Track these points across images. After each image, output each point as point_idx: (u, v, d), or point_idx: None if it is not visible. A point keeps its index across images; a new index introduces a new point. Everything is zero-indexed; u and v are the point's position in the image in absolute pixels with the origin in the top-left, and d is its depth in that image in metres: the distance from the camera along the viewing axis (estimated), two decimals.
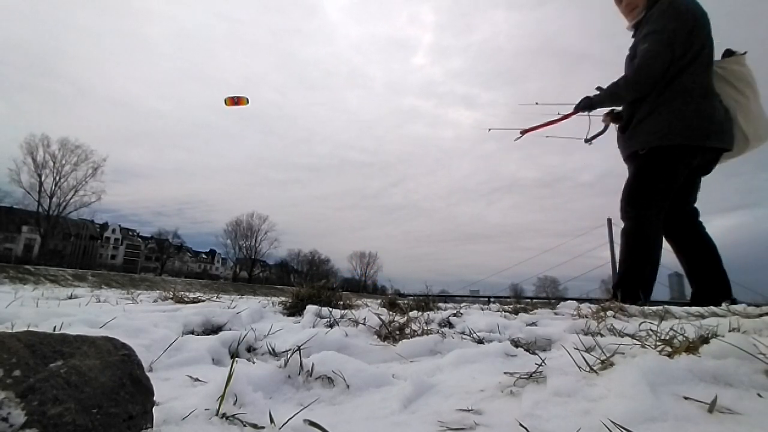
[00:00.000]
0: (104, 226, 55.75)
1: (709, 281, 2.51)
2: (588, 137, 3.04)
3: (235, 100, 3.10)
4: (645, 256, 2.53)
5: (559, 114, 2.97)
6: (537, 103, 3.15)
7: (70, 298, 2.17)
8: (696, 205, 2.72)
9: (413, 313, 1.61)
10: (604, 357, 0.64)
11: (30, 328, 0.66)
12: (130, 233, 60.50)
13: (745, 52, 2.55)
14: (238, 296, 3.46)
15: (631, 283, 2.45)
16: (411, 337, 1.09)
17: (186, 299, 2.05)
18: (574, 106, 2.86)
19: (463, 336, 1.17)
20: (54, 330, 0.87)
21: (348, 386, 0.65)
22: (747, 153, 2.66)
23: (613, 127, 2.92)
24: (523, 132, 3.07)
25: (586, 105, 2.82)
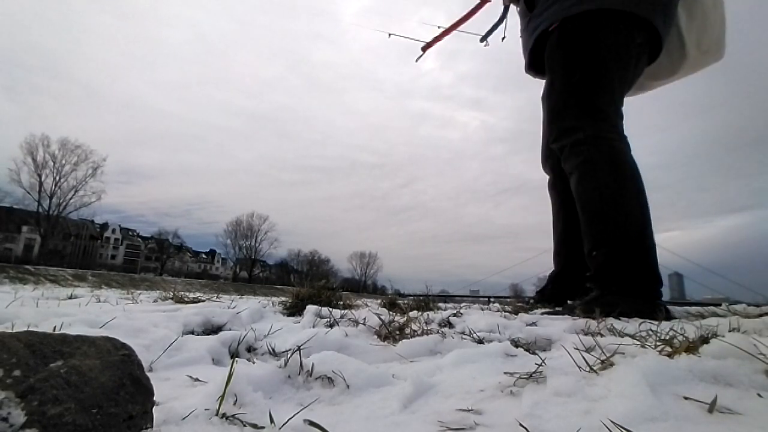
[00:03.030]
0: (104, 226, 55.79)
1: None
2: (483, 35, 2.37)
3: None
4: (643, 202, 1.53)
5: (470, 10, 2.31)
6: (438, 27, 2.48)
7: (70, 298, 2.17)
8: None
9: (413, 313, 1.60)
10: (604, 357, 0.64)
11: (30, 328, 0.66)
12: (130, 233, 60.52)
13: None
14: (238, 296, 3.46)
15: (639, 261, 1.48)
16: (411, 337, 1.09)
17: (186, 299, 2.05)
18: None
19: (463, 336, 1.17)
20: (54, 330, 0.87)
21: (348, 386, 0.65)
22: (675, 77, 1.84)
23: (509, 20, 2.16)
24: (425, 48, 2.48)
25: None
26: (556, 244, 2.00)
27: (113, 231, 56.35)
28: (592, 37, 1.60)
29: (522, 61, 2.15)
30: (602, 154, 1.54)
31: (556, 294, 1.94)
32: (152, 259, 56.44)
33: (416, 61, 2.55)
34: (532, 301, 2.11)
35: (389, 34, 2.71)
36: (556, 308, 1.68)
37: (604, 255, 1.53)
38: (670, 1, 1.62)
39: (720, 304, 1.90)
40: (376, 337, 1.18)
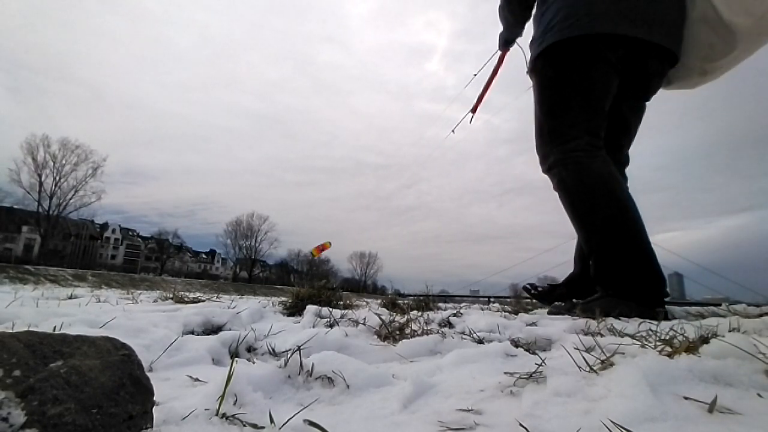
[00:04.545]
0: (104, 226, 55.78)
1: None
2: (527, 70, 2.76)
3: (321, 248, 3.23)
4: (618, 207, 1.57)
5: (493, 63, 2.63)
6: (474, 75, 2.87)
7: (70, 298, 2.17)
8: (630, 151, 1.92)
9: (413, 313, 1.60)
10: (604, 357, 0.64)
11: (30, 328, 0.66)
12: (130, 233, 60.52)
13: None
14: (238, 296, 3.46)
15: (627, 265, 1.51)
16: (411, 337, 1.09)
17: (186, 299, 2.05)
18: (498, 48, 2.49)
19: (463, 336, 1.17)
20: (54, 330, 0.87)
21: (348, 386, 0.65)
22: (738, 52, 1.63)
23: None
24: (473, 110, 2.85)
25: (504, 41, 2.40)
26: (577, 251, 2.10)
27: (113, 231, 56.34)
28: (550, 69, 1.75)
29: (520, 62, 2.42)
30: (569, 172, 1.68)
31: (566, 296, 2.01)
32: (152, 259, 56.43)
33: (470, 122, 2.89)
34: (540, 289, 2.15)
35: (452, 131, 3.08)
36: (558, 303, 1.79)
37: (595, 261, 1.63)
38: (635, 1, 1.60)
39: (720, 304, 1.91)
40: (376, 337, 1.18)
